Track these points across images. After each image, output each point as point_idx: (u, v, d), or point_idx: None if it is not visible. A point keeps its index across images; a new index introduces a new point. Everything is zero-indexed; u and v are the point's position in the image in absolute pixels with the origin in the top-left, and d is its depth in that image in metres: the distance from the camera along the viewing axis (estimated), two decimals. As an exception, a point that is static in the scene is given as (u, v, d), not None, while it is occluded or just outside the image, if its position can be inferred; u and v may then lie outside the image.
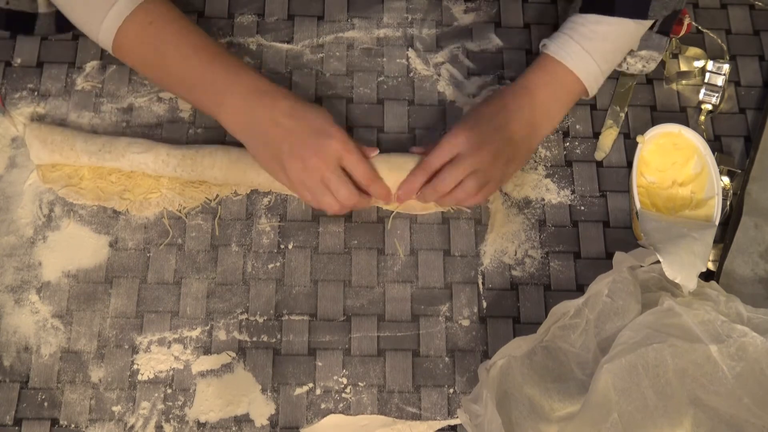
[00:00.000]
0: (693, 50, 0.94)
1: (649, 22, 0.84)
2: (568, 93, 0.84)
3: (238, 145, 0.82)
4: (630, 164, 0.87)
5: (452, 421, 0.78)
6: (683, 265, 0.73)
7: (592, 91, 0.85)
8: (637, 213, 0.81)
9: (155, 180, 0.84)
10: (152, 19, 0.79)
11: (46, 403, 0.77)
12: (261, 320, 0.81)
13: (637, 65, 0.89)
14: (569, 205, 0.87)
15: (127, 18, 0.78)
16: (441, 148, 0.80)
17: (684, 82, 0.93)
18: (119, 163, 0.83)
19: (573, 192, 0.87)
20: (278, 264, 0.83)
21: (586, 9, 0.83)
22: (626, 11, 0.82)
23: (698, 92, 0.92)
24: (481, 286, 0.83)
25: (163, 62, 0.80)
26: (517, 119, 0.81)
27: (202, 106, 0.81)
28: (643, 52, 0.89)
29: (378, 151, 0.81)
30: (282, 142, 0.77)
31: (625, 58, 0.89)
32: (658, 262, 0.74)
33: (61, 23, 0.87)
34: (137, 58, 0.81)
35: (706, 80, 0.92)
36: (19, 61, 0.91)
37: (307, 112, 0.78)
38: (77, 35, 0.92)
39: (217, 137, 0.88)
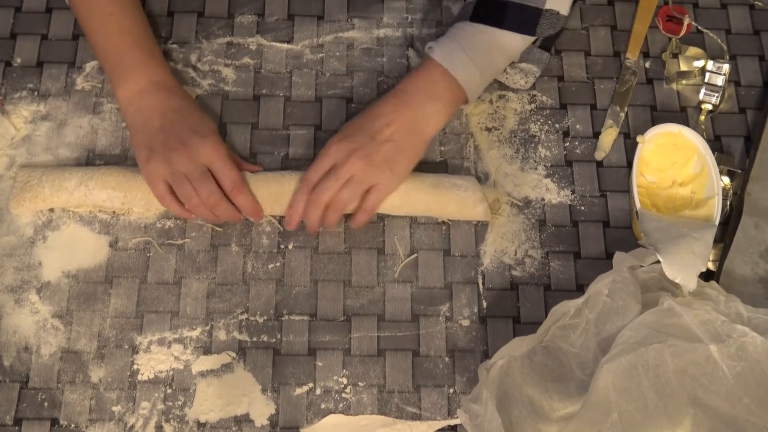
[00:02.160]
0: (693, 50, 0.94)
1: (532, 38, 0.86)
2: (450, 98, 0.84)
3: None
4: (630, 164, 0.86)
5: (452, 421, 0.78)
6: (683, 265, 0.73)
7: (472, 99, 0.85)
8: (637, 213, 0.81)
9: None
10: None
11: (46, 403, 0.77)
12: (261, 320, 0.81)
13: (516, 77, 0.90)
14: (569, 205, 0.87)
15: None
16: (316, 163, 0.81)
17: (684, 82, 0.93)
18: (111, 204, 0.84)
19: (573, 192, 0.87)
20: (278, 264, 0.83)
21: (475, 18, 0.84)
22: (515, 26, 0.84)
23: (698, 92, 0.92)
24: (481, 286, 0.83)
25: (91, 23, 0.85)
26: (395, 123, 0.81)
27: (106, 72, 0.86)
28: (523, 65, 0.90)
29: (261, 168, 0.85)
30: (159, 132, 0.81)
31: (505, 70, 0.90)
32: (658, 262, 0.74)
33: None
34: (80, 19, 0.87)
35: (706, 80, 0.92)
36: (19, 60, 0.91)
37: (194, 115, 0.83)
38: (77, 35, 0.92)
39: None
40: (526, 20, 0.84)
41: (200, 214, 0.81)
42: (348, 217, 0.85)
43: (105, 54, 0.85)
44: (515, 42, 0.85)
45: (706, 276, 0.82)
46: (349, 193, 0.79)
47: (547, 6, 0.84)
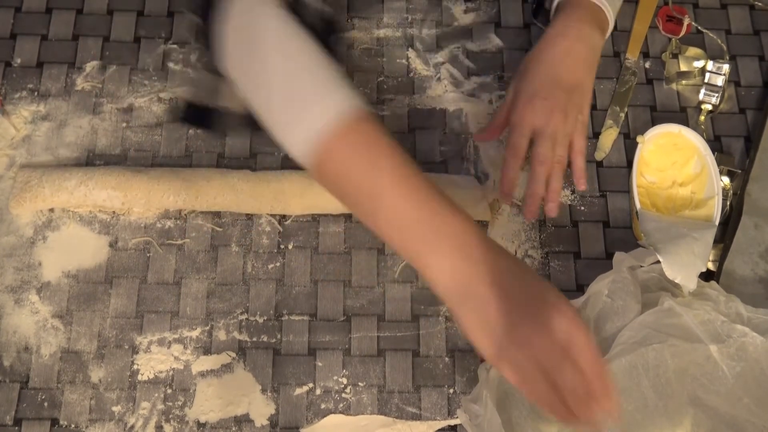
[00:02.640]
0: (693, 50, 0.94)
1: None
2: (604, 29, 0.83)
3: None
4: (630, 164, 0.86)
5: (452, 421, 0.78)
6: (683, 265, 0.73)
7: (610, 28, 0.85)
8: (637, 213, 0.81)
9: (156, 180, 0.84)
10: (366, 140, 0.63)
11: (46, 403, 0.77)
12: (261, 320, 0.81)
13: None
14: (569, 205, 0.87)
15: (332, 133, 0.62)
16: (516, 128, 0.80)
17: (684, 82, 0.93)
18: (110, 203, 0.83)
19: (573, 192, 0.87)
20: (278, 264, 0.83)
21: None
22: None
23: (698, 92, 0.92)
24: (481, 286, 0.83)
25: (371, 193, 0.63)
26: (576, 64, 0.81)
27: (403, 251, 0.64)
28: None
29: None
30: (496, 308, 0.60)
31: None
32: (658, 262, 0.74)
33: (253, 121, 0.69)
34: (338, 182, 0.65)
35: (706, 80, 0.92)
36: (19, 61, 0.91)
37: (527, 274, 0.62)
38: (77, 35, 0.92)
39: (217, 136, 0.88)
40: None
41: (559, 414, 0.60)
42: (349, 217, 0.85)
43: (393, 224, 0.63)
44: None
45: (706, 276, 0.82)
46: (563, 150, 0.79)
47: None
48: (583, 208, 0.87)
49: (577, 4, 0.83)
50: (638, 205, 0.81)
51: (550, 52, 0.81)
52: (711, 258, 0.84)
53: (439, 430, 0.78)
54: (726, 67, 0.92)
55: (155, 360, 0.79)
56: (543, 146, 0.79)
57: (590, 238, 0.85)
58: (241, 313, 0.81)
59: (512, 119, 0.81)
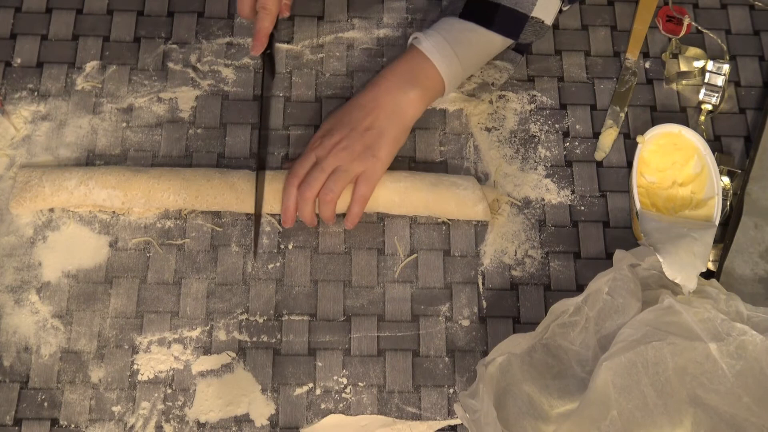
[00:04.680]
0: (693, 50, 0.94)
1: (513, 42, 0.88)
2: (429, 87, 0.85)
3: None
4: (630, 164, 0.87)
5: (452, 421, 0.78)
6: (683, 265, 0.73)
7: (449, 92, 0.87)
8: (637, 213, 0.81)
9: (156, 180, 0.84)
10: None
11: (46, 403, 0.77)
12: (261, 320, 0.81)
13: (491, 71, 0.91)
14: (569, 205, 0.87)
15: None
16: (301, 158, 0.82)
17: (684, 82, 0.93)
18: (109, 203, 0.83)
19: (573, 192, 0.87)
20: (278, 264, 0.83)
21: (465, 16, 0.85)
22: (502, 28, 0.86)
23: (698, 92, 0.92)
24: (481, 286, 0.83)
25: None
26: (374, 111, 0.83)
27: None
28: (498, 62, 0.90)
29: None
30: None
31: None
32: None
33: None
34: None
35: (706, 80, 0.92)
36: (19, 61, 0.91)
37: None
38: (77, 35, 0.92)
39: (217, 136, 0.88)
40: (513, 24, 0.86)
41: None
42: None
43: None
44: (498, 43, 0.87)
45: (707, 275, 0.82)
46: (334, 183, 0.80)
47: (534, 14, 0.86)
48: (583, 208, 0.87)
49: (419, 66, 0.84)
50: (638, 205, 0.81)
51: (360, 97, 0.85)
52: (711, 258, 0.84)
53: (439, 430, 0.77)
54: (726, 67, 0.92)
55: (155, 360, 0.79)
56: (310, 173, 0.81)
57: (590, 238, 0.85)
58: (241, 313, 0.81)
59: (306, 148, 0.84)
